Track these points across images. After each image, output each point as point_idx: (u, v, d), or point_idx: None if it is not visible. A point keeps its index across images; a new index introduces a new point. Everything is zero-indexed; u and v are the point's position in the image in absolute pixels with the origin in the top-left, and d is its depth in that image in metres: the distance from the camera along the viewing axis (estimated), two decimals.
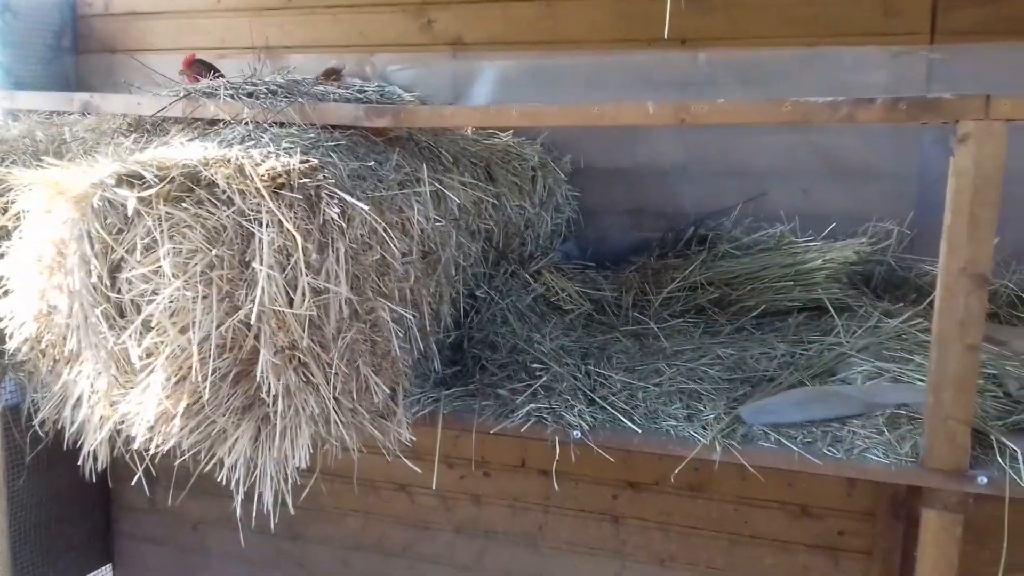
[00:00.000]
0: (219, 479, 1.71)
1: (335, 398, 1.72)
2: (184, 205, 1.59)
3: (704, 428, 1.87)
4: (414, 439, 1.90)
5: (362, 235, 1.73)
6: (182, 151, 1.80)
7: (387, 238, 1.77)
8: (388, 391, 1.85)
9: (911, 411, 1.83)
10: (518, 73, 3.06)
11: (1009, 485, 1.66)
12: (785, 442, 1.81)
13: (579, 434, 1.90)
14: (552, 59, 3.02)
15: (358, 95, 2.42)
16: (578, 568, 3.23)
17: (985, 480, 1.67)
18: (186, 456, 1.70)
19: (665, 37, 2.11)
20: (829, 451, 1.79)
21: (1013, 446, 1.71)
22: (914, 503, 1.78)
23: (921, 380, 1.85)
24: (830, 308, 2.36)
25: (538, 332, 2.30)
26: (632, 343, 2.36)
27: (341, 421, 1.74)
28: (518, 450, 3.19)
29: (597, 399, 2.02)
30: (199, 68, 2.73)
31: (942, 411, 1.66)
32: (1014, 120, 1.56)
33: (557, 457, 1.90)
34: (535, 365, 2.14)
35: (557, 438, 1.93)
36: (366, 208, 1.69)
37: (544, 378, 2.08)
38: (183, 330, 1.59)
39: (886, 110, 1.63)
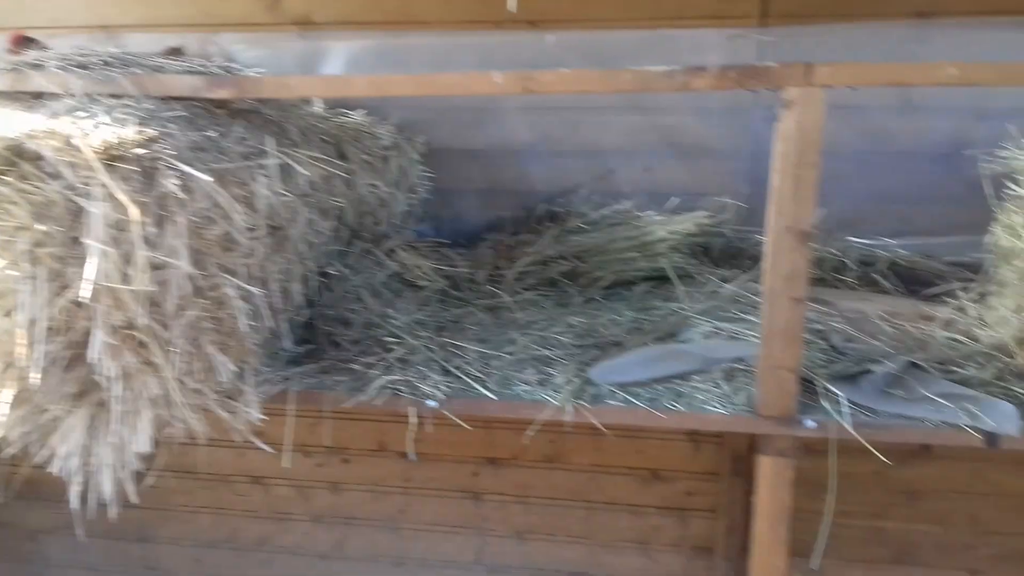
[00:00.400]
0: (52, 471, 1.63)
1: (178, 378, 1.66)
2: (7, 179, 1.51)
3: (556, 391, 1.91)
4: (265, 418, 1.85)
5: (204, 208, 1.68)
6: (3, 123, 1.69)
7: (231, 211, 1.72)
8: (235, 370, 1.81)
9: (746, 365, 1.94)
10: (367, 54, 3.02)
11: (834, 427, 1.78)
12: (631, 399, 1.88)
13: (434, 403, 1.91)
14: (402, 39, 2.99)
15: (200, 69, 2.33)
16: (440, 548, 3.25)
17: (813, 424, 1.79)
18: (13, 448, 1.61)
19: (513, 10, 2.13)
20: (672, 405, 1.87)
21: (837, 391, 1.83)
22: (753, 459, 1.89)
23: (755, 336, 1.96)
24: (673, 277, 2.48)
25: (392, 308, 2.29)
26: (487, 316, 2.39)
27: (185, 402, 1.69)
28: (376, 434, 3.17)
29: (452, 369, 2.03)
30: (27, 46, 2.56)
31: (772, 361, 1.76)
32: (832, 86, 1.67)
33: (414, 428, 1.90)
34: (389, 339, 2.13)
35: (413, 409, 1.92)
36: (208, 179, 1.64)
37: (398, 351, 2.07)
38: (8, 313, 1.51)
39: (717, 78, 1.73)
